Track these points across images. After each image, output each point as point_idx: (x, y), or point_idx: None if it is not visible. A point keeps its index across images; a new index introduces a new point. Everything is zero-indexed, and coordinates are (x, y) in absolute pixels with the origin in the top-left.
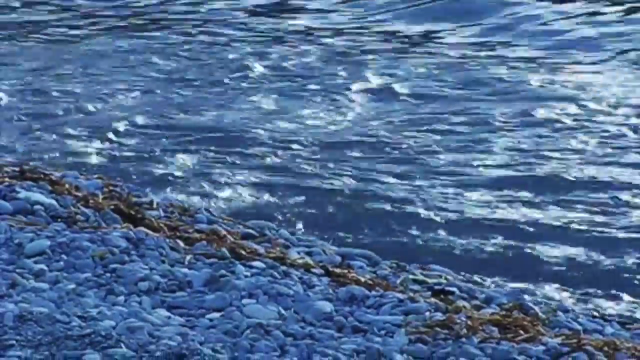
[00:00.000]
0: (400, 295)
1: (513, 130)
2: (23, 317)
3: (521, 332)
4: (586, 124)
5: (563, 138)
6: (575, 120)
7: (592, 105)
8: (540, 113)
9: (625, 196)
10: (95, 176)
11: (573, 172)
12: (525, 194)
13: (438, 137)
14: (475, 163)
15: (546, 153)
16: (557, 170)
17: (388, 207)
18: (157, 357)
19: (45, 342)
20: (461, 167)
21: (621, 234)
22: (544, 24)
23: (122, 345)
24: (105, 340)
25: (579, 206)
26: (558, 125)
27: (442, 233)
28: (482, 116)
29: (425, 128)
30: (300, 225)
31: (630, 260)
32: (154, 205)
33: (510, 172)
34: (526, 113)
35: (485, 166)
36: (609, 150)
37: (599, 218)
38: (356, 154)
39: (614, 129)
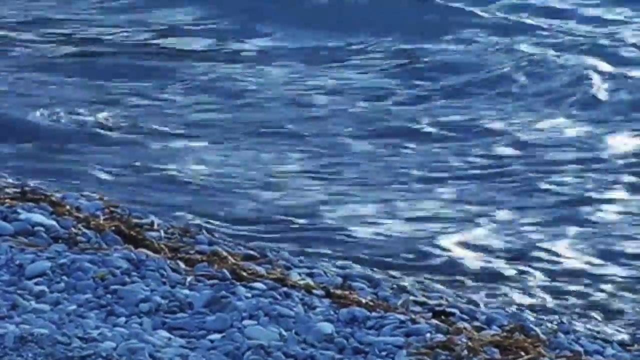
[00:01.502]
0: (402, 317)
1: None
2: (24, 338)
3: (522, 353)
4: None
5: None
6: None
7: None
8: None
9: None
10: (97, 197)
11: None
12: None
13: None
14: None
15: None
16: None
17: None
18: None
19: None
20: None
21: None
22: None
23: None
24: None
25: None
26: None
27: None
28: None
29: None
30: None
31: None
32: (155, 227)
33: None
34: None
35: None
36: None
37: None
38: None
39: None
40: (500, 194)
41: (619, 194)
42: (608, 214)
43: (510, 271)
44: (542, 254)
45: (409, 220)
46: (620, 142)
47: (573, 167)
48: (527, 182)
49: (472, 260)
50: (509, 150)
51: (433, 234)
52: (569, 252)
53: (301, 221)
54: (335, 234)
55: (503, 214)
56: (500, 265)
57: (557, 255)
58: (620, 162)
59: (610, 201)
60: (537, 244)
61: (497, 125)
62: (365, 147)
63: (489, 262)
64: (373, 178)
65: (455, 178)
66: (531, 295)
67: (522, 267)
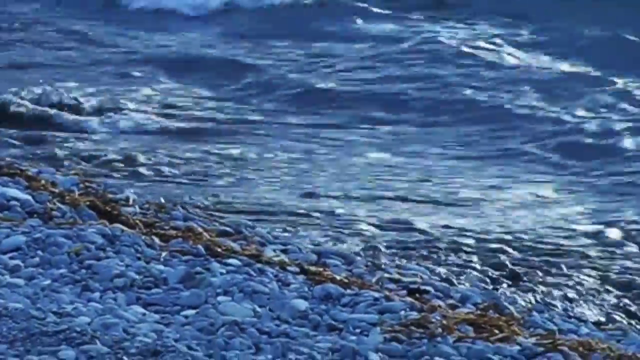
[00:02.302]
0: (376, 294)
1: None
2: None
3: (496, 331)
4: None
5: None
6: None
7: None
8: None
9: None
10: (72, 172)
11: None
12: None
13: None
14: None
15: None
16: None
17: None
18: (132, 353)
19: (20, 338)
20: None
21: None
22: None
23: (97, 341)
24: (80, 336)
25: None
26: None
27: None
28: None
29: None
30: None
31: None
32: (130, 202)
33: None
34: None
35: None
36: None
37: None
38: None
39: None
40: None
41: None
42: None
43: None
44: (522, 235)
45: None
46: None
47: None
48: None
49: (449, 237)
50: None
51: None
52: (546, 230)
53: None
54: None
55: None
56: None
57: (537, 234)
58: None
59: None
60: (512, 226)
61: None
62: None
63: (463, 240)
64: None
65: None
66: (506, 275)
67: (494, 245)
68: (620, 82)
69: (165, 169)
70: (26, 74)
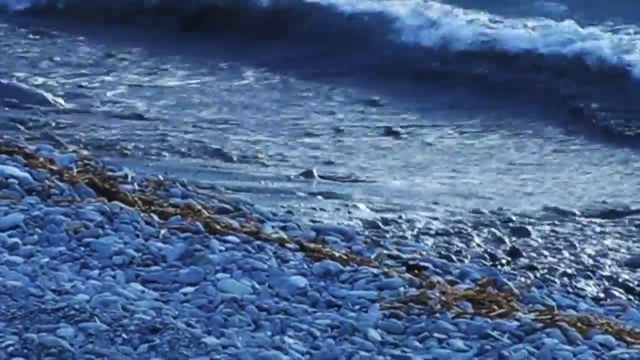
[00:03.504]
0: (375, 270)
1: None
2: None
3: (495, 307)
4: None
5: None
6: None
7: None
8: None
9: None
10: (70, 149)
11: None
12: None
13: None
14: None
15: None
16: None
17: None
18: (130, 331)
19: (19, 316)
20: None
21: None
22: None
23: (96, 319)
24: (79, 314)
25: None
26: None
27: None
28: None
29: None
30: None
31: None
32: (129, 179)
33: None
34: None
35: None
36: None
37: None
38: None
39: None
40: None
41: None
42: None
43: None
44: (521, 211)
45: None
46: None
47: None
48: None
49: (449, 214)
50: None
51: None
52: (546, 206)
53: None
54: None
55: None
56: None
57: (537, 210)
58: None
59: None
60: (511, 202)
61: None
62: None
63: (462, 216)
64: None
65: None
66: (505, 251)
67: (493, 221)
68: None
69: None
70: None
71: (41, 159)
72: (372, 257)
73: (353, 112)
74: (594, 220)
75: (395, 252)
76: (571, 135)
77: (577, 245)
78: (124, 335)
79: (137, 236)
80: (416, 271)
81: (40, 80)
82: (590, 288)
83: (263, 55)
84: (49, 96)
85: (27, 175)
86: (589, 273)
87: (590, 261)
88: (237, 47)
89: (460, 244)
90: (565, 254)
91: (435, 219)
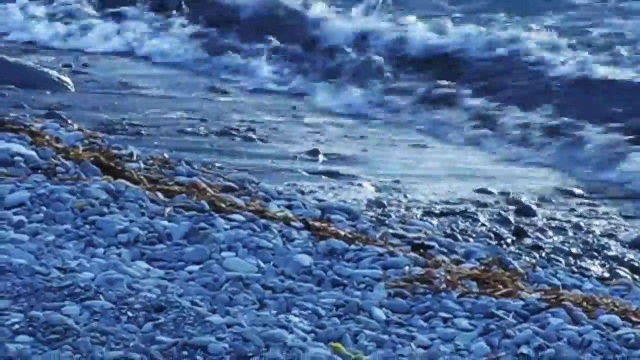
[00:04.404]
0: (380, 249)
1: None
2: (2, 268)
3: (500, 286)
4: None
5: None
6: None
7: None
8: None
9: None
10: (76, 127)
11: None
12: None
13: None
14: None
15: None
16: None
17: None
18: (136, 309)
19: (24, 294)
20: None
21: None
22: None
23: (101, 297)
24: (84, 292)
25: None
26: None
27: None
28: None
29: None
30: None
31: None
32: (134, 158)
33: None
34: None
35: None
36: None
37: None
38: None
39: None
40: None
41: None
42: None
43: (484, 204)
44: (526, 191)
45: None
46: None
47: None
48: None
49: (454, 193)
50: None
51: None
52: (550, 186)
53: None
54: None
55: None
56: (474, 197)
57: (540, 190)
58: None
59: None
60: (516, 182)
61: None
62: None
63: (468, 195)
64: None
65: None
66: (510, 230)
67: (498, 200)
68: None
69: None
70: None
71: (47, 137)
72: (377, 236)
73: None
74: (599, 200)
75: (400, 231)
76: None
77: (582, 225)
78: (129, 313)
79: (143, 214)
80: (421, 250)
81: (45, 59)
82: (596, 268)
83: None
84: (55, 74)
85: (33, 153)
86: (594, 253)
87: (596, 241)
88: None
89: (466, 224)
90: (570, 233)
91: (441, 198)
